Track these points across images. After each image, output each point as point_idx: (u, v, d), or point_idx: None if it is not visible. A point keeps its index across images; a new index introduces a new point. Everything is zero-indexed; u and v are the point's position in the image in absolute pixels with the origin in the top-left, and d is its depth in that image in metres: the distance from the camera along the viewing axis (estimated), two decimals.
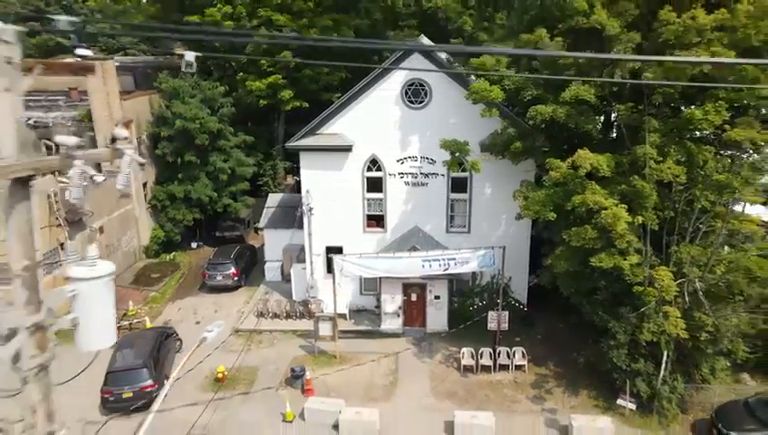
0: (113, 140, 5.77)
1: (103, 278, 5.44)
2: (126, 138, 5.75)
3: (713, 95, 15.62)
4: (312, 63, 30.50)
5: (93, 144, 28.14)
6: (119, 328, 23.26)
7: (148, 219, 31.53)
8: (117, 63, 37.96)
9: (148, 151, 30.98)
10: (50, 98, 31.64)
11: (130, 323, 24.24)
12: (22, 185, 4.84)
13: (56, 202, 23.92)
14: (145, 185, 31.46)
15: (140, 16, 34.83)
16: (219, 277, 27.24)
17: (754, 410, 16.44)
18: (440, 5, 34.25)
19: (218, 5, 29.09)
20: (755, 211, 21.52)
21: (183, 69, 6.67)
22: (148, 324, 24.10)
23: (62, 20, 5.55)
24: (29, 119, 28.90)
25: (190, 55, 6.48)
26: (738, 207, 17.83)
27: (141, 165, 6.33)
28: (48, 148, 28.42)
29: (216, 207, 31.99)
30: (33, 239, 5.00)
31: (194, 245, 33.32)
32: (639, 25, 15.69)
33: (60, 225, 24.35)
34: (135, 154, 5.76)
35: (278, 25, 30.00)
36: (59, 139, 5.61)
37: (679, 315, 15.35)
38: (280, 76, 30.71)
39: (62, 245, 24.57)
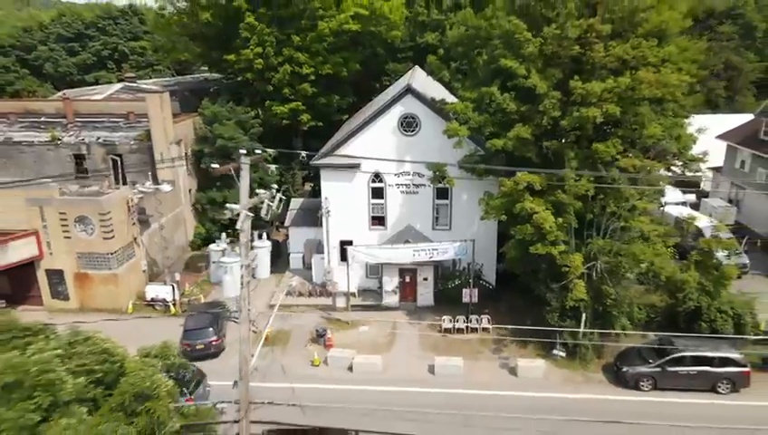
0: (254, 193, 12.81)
1: (265, 248, 12.51)
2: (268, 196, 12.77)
3: (614, 134, 22.73)
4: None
5: (151, 158, 35.32)
6: (181, 303, 30.62)
7: (193, 219, 38.57)
8: (159, 88, 45.27)
9: (193, 165, 38.03)
10: (112, 120, 38.70)
11: (189, 300, 31.34)
12: None
13: (132, 207, 30.97)
14: (190, 191, 38.48)
15: (188, 54, 41.81)
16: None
17: (641, 353, 23.55)
18: (430, 42, 41.35)
19: (251, 47, 36.02)
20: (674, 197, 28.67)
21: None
22: (203, 300, 31.22)
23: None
24: (98, 138, 36.15)
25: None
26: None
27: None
28: (114, 162, 35.97)
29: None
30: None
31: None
32: (560, 87, 22.69)
33: (134, 223, 31.47)
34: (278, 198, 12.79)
35: (299, 62, 37.04)
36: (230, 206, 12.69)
37: (583, 286, 22.41)
38: (300, 103, 37.71)
39: (135, 239, 31.67)
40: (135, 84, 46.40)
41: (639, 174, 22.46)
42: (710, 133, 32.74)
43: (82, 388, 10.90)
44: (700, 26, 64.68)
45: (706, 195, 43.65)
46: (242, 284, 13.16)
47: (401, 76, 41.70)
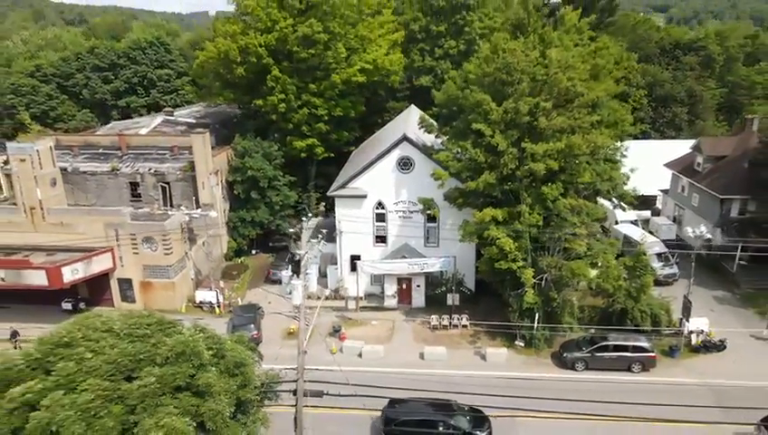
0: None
1: (312, 274, 20.21)
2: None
3: (557, 179, 30.55)
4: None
5: (194, 185, 43.02)
6: (224, 305, 38.37)
7: (227, 235, 46.39)
8: (192, 120, 53.14)
9: (227, 191, 45.85)
10: (159, 152, 46.48)
11: (229, 302, 39.17)
12: None
13: (185, 228, 38.79)
14: (224, 212, 46.28)
15: (221, 99, 49.66)
16: (280, 274, 42.09)
17: (578, 343, 31.38)
18: (424, 84, 49.20)
19: (276, 94, 43.85)
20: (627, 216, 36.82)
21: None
22: (240, 303, 39.05)
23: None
24: (150, 168, 43.98)
25: None
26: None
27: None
28: (163, 189, 44.31)
29: (270, 226, 46.85)
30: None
31: (253, 252, 48.16)
32: (516, 144, 30.48)
33: (186, 241, 39.31)
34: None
35: (315, 105, 44.89)
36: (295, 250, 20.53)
37: (533, 293, 30.23)
38: (315, 139, 45.59)
39: (186, 253, 39.50)
40: (173, 117, 54.24)
41: (574, 210, 30.23)
42: (666, 158, 41.96)
43: (211, 358, 18.66)
44: (667, 57, 72.86)
45: (659, 213, 51.55)
46: (302, 296, 20.95)
47: (400, 113, 49.71)
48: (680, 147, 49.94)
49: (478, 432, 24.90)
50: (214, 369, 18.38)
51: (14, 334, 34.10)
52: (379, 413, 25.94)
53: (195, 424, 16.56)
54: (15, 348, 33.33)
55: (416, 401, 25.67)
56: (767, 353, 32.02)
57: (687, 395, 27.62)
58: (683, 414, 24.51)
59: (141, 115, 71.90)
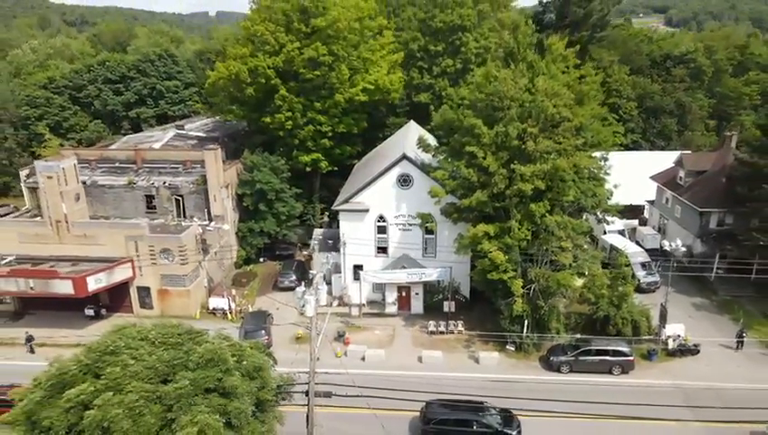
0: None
1: (323, 290, 22.96)
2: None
3: (544, 197, 33.27)
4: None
5: (206, 198, 45.69)
6: (236, 311, 41.08)
7: (236, 244, 49.12)
8: (202, 133, 55.85)
9: (237, 202, 48.58)
10: (173, 166, 49.20)
11: (240, 309, 41.89)
12: None
13: (198, 240, 41.52)
14: (234, 222, 49.00)
15: (231, 116, 52.45)
16: (286, 281, 44.86)
17: (563, 347, 34.11)
18: (423, 101, 51.98)
19: (283, 112, 46.61)
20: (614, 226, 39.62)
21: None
22: (251, 309, 41.78)
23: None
24: (164, 182, 46.71)
25: None
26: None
27: None
28: (177, 201, 47.22)
29: (277, 236, 49.57)
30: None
31: (261, 259, 50.86)
32: (506, 166, 33.19)
33: (199, 251, 42.03)
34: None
35: (319, 122, 47.65)
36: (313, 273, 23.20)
37: (522, 302, 32.97)
38: (320, 154, 48.38)
39: (200, 263, 42.23)
40: (184, 132, 57.00)
41: (560, 226, 32.95)
42: (655, 169, 44.93)
43: (235, 363, 21.39)
44: (658, 68, 75.60)
45: (646, 222, 54.30)
46: (314, 310, 23.72)
47: (400, 128, 52.45)
48: (668, 158, 52.61)
49: (508, 430, 27.59)
50: (237, 373, 21.10)
51: (30, 339, 36.90)
52: (419, 413, 28.62)
53: (223, 421, 19.30)
54: (31, 352, 36.15)
55: (452, 402, 28.49)
56: (737, 357, 34.75)
57: (661, 396, 30.37)
58: (655, 413, 27.28)
59: (151, 125, 74.75)
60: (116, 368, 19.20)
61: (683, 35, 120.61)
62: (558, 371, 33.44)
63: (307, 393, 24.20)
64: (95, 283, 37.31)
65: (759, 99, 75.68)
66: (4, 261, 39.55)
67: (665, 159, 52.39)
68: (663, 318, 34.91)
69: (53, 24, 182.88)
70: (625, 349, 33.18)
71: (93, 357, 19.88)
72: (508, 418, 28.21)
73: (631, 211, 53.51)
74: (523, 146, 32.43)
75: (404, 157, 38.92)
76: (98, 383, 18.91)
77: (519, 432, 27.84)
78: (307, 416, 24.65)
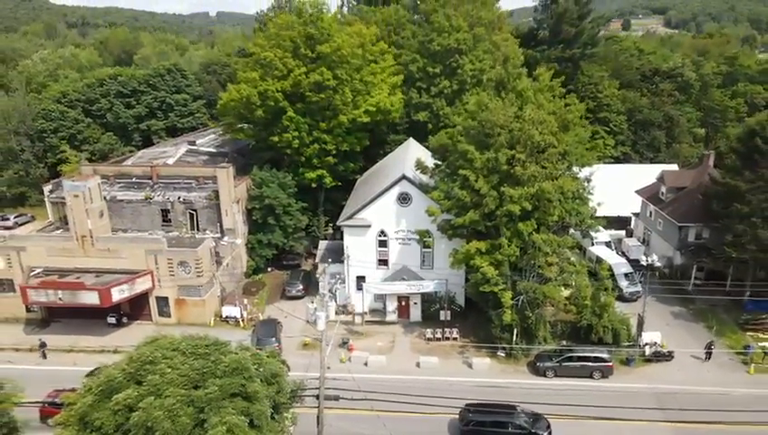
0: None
1: (332, 306, 26.10)
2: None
3: (532, 216, 36.44)
4: None
5: (218, 212, 48.83)
6: (247, 320, 44.24)
7: (246, 255, 52.28)
8: (213, 149, 58.97)
9: (246, 216, 51.72)
10: (186, 181, 52.33)
11: (251, 317, 45.04)
12: None
13: (212, 251, 44.70)
14: (244, 235, 52.16)
15: (242, 135, 55.68)
16: (293, 291, 48.04)
17: (549, 354, 37.23)
18: (422, 119, 55.16)
19: (290, 132, 49.80)
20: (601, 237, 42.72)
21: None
22: (261, 317, 44.92)
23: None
24: (179, 197, 49.84)
25: None
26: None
27: None
28: (191, 215, 50.62)
29: (285, 247, 52.72)
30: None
31: (269, 269, 54.03)
32: (496, 188, 36.31)
33: (213, 263, 45.20)
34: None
35: (324, 141, 50.86)
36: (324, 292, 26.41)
37: (510, 313, 36.13)
38: (325, 171, 51.58)
39: (214, 274, 45.39)
40: (195, 147, 60.18)
41: (546, 243, 36.12)
42: (643, 181, 48.10)
43: (256, 370, 24.54)
44: (647, 82, 78.75)
45: (632, 233, 57.46)
46: (324, 324, 26.88)
47: (399, 145, 55.61)
48: (655, 171, 55.57)
49: (540, 432, 30.43)
50: (258, 379, 24.27)
51: (43, 345, 40.04)
52: (458, 415, 31.56)
53: (247, 422, 22.45)
54: (43, 357, 39.30)
55: (488, 405, 31.57)
56: (707, 364, 37.88)
57: (636, 398, 33.52)
58: (628, 414, 30.46)
59: (161, 137, 77.98)
60: (155, 376, 22.35)
61: (681, 37, 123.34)
62: (544, 375, 36.59)
63: (318, 397, 27.35)
64: (119, 293, 40.49)
65: (745, 111, 78.76)
66: (33, 273, 42.75)
67: (652, 172, 55.45)
68: (641, 326, 38.07)
69: (59, 32, 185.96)
70: (604, 355, 36.34)
71: (135, 366, 23.04)
72: (541, 421, 30.99)
73: (618, 222, 56.75)
74: (512, 170, 35.57)
75: (403, 177, 42.08)
76: (140, 389, 22.07)
77: (549, 433, 30.58)
78: (317, 417, 27.81)
